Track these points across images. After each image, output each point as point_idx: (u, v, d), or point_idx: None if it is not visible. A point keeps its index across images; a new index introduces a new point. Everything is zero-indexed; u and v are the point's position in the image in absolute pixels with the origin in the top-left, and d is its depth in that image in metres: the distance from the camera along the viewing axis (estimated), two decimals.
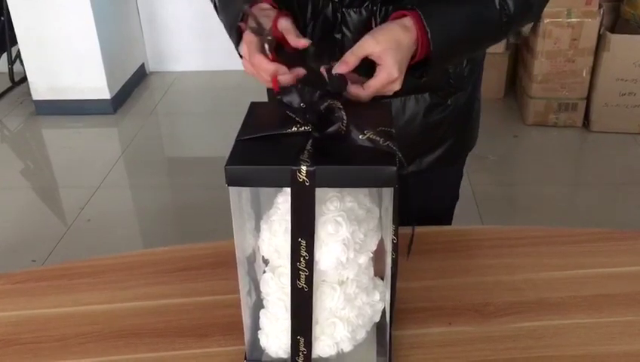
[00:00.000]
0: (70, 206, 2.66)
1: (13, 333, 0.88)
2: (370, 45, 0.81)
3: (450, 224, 1.27)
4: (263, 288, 0.77)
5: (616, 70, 2.95)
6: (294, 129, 0.71)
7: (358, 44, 0.82)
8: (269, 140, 0.71)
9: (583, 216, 2.49)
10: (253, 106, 0.80)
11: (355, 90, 0.82)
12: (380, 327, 0.81)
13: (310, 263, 0.69)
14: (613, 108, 3.04)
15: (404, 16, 0.85)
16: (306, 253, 0.68)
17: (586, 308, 0.89)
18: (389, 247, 0.74)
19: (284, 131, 0.71)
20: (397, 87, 0.84)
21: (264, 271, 0.77)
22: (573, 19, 2.92)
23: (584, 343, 0.83)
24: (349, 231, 0.70)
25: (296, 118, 0.72)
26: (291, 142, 0.69)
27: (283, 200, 0.72)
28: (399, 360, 0.81)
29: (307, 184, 0.65)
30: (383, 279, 0.79)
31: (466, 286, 0.94)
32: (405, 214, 1.22)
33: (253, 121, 0.76)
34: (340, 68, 0.81)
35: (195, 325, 0.88)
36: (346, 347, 0.76)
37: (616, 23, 3.11)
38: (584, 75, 3.03)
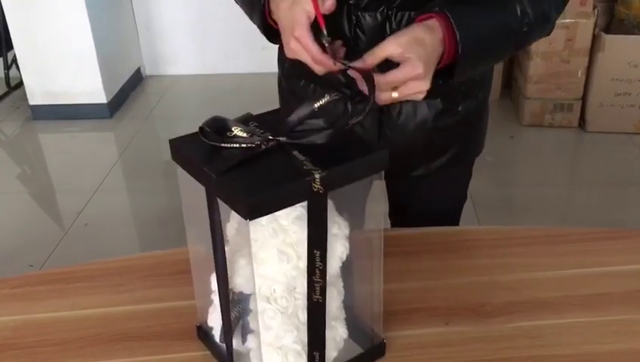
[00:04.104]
0: (67, 210, 2.66)
1: (11, 338, 0.88)
2: (391, 46, 0.79)
3: (457, 224, 1.26)
4: (267, 324, 0.71)
5: (611, 70, 2.96)
6: (263, 147, 0.68)
7: (378, 45, 0.80)
8: (250, 166, 0.67)
9: (579, 216, 2.50)
10: (178, 144, 0.76)
11: (377, 78, 0.78)
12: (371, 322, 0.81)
13: (324, 272, 0.68)
14: (608, 108, 3.05)
15: (430, 18, 0.84)
16: (320, 263, 0.67)
17: (582, 308, 0.89)
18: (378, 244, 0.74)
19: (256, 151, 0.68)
20: (425, 86, 0.81)
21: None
22: (567, 20, 2.93)
23: (580, 342, 0.84)
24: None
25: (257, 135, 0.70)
26: (276, 159, 0.67)
27: (253, 229, 0.67)
28: (396, 360, 0.81)
29: (321, 192, 0.64)
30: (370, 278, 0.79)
31: (462, 286, 0.94)
32: (406, 214, 1.22)
33: (202, 158, 0.72)
34: (356, 64, 0.80)
35: (194, 327, 0.88)
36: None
37: (611, 23, 3.13)
38: (579, 75, 3.05)
